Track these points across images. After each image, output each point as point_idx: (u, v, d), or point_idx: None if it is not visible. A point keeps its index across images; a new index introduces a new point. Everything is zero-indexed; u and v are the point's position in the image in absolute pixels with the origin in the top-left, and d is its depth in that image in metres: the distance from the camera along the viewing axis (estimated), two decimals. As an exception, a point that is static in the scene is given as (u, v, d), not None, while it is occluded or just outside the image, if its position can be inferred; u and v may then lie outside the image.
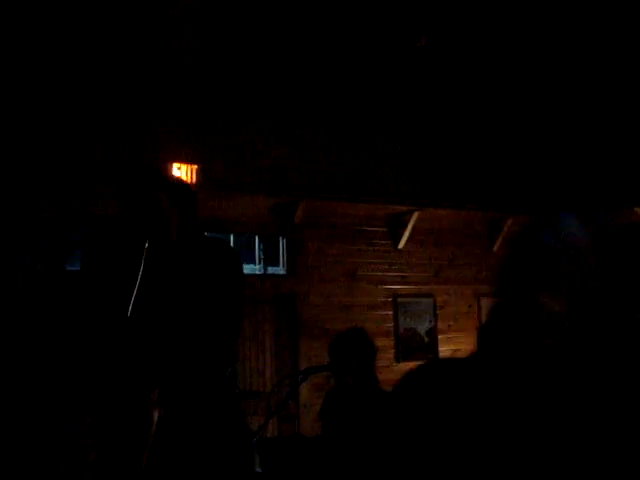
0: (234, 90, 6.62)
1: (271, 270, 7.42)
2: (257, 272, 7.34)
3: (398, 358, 7.71)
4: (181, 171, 6.25)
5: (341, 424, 3.86)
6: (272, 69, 6.77)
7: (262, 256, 7.39)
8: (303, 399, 6.96)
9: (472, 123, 7.92)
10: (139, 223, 2.00)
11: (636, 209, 7.70)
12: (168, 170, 6.18)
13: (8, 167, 5.60)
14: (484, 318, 8.32)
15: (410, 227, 7.76)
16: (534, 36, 7.16)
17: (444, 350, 8.08)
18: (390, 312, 7.83)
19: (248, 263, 7.32)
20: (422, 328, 8.04)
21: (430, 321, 8.11)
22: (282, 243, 7.40)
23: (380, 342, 7.61)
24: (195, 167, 6.31)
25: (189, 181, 6.27)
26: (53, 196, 5.99)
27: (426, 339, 8.04)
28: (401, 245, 7.89)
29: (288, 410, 6.79)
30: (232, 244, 7.24)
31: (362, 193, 7.23)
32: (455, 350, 8.15)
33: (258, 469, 4.16)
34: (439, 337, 8.11)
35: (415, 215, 7.67)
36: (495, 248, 8.56)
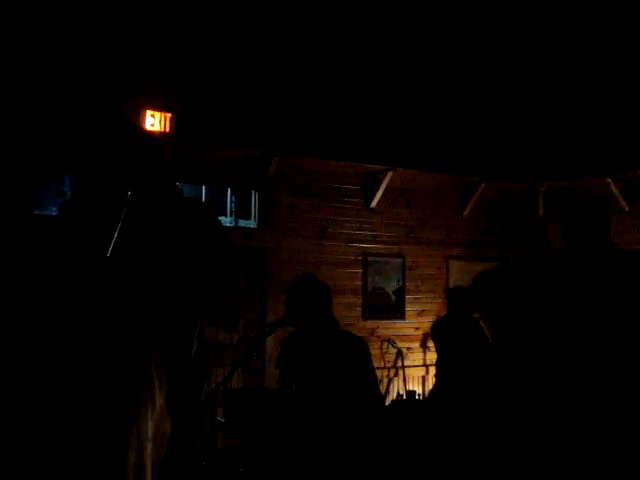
0: (211, 38, 6.50)
1: (242, 223, 7.39)
2: (228, 224, 7.31)
3: (365, 316, 7.77)
4: (155, 118, 6.16)
5: (303, 368, 3.84)
6: (252, 18, 6.65)
7: (233, 208, 7.36)
8: (268, 352, 7.01)
9: (451, 85, 7.88)
10: (122, 172, 1.96)
11: (607, 179, 7.77)
12: (141, 118, 6.09)
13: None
14: (452, 280, 8.40)
15: (383, 187, 7.76)
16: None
17: (411, 310, 8.16)
18: (359, 270, 7.86)
19: (220, 215, 7.28)
20: (390, 287, 8.10)
21: (398, 281, 8.16)
22: (254, 196, 7.36)
23: (348, 299, 7.68)
24: (169, 115, 6.22)
25: (162, 129, 6.19)
26: (24, 140, 5.88)
27: (393, 298, 8.11)
28: (373, 204, 7.89)
29: (253, 363, 6.83)
30: (204, 195, 7.20)
31: (337, 150, 7.20)
32: (422, 311, 8.23)
33: (221, 419, 4.19)
34: (406, 297, 8.18)
35: (389, 175, 7.66)
36: (466, 212, 8.60)
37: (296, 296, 3.97)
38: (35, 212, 6.00)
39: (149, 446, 1.21)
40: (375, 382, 3.77)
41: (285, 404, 3.90)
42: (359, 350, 3.75)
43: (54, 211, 6.07)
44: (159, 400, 1.21)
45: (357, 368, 3.67)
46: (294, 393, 3.86)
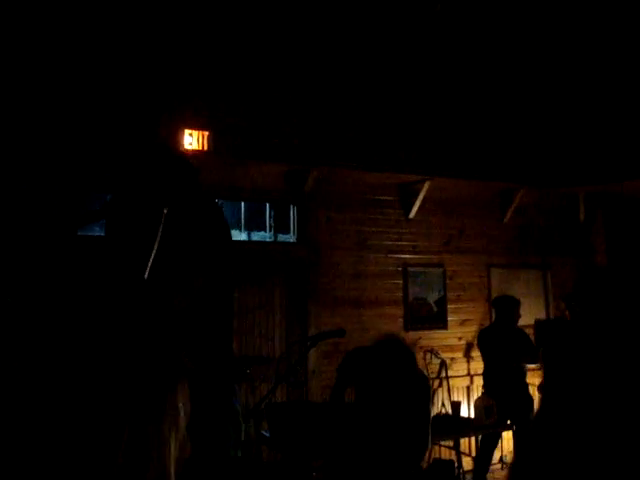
0: (246, 56, 6.58)
1: (281, 238, 7.43)
2: (267, 239, 7.36)
3: (407, 327, 7.75)
4: (192, 137, 6.24)
5: (367, 388, 3.82)
6: (285, 35, 6.72)
7: (273, 224, 7.40)
8: (311, 366, 7.02)
9: (486, 92, 7.85)
10: (157, 192, 2.01)
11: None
12: (179, 137, 6.18)
13: (21, 136, 5.61)
14: (494, 288, 8.33)
15: (421, 196, 7.74)
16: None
17: (453, 320, 8.11)
18: (400, 281, 7.84)
19: (259, 230, 7.34)
20: (431, 297, 8.06)
21: (440, 291, 8.12)
22: (293, 211, 7.40)
23: (389, 311, 7.67)
24: (206, 133, 6.30)
25: (200, 147, 6.26)
26: (65, 162, 6.01)
27: (435, 309, 8.07)
28: (412, 214, 7.88)
29: (297, 376, 6.85)
30: (243, 211, 7.26)
31: (373, 161, 7.21)
32: (464, 320, 8.17)
33: (266, 432, 4.21)
34: (448, 307, 8.13)
35: (426, 184, 7.64)
36: (506, 219, 8.54)
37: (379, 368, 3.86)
38: (79, 233, 6.12)
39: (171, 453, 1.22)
40: (428, 424, 3.76)
41: (334, 413, 3.91)
42: (424, 390, 3.77)
43: (97, 231, 6.18)
44: (182, 422, 1.22)
45: (417, 405, 3.68)
46: (350, 408, 3.86)
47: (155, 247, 1.84)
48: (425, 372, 7.48)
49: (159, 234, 1.85)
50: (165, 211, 1.92)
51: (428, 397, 3.80)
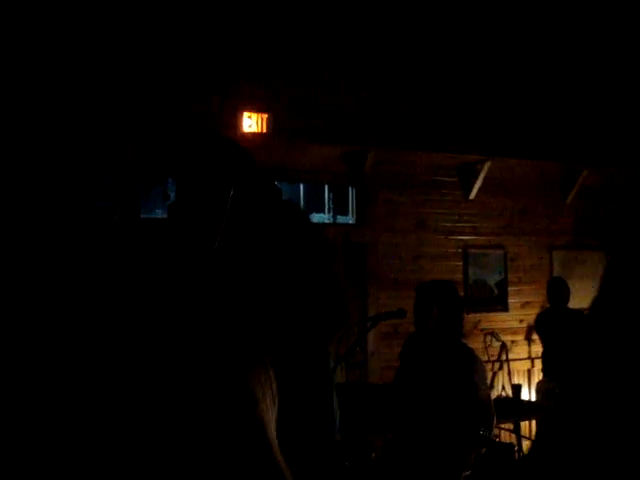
0: (303, 37, 6.57)
1: (340, 219, 7.44)
2: (326, 221, 7.37)
3: (467, 309, 7.67)
4: (252, 120, 6.28)
5: (415, 370, 3.92)
6: (341, 15, 6.68)
7: (331, 205, 7.41)
8: (370, 347, 7.04)
9: (548, 71, 7.68)
10: (223, 172, 2.03)
11: None
12: (238, 120, 6.23)
13: (79, 119, 5.73)
14: (556, 271, 8.19)
15: (481, 177, 7.64)
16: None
17: (514, 302, 8.01)
18: (460, 263, 7.77)
19: (318, 212, 7.35)
20: (492, 280, 7.97)
21: (500, 273, 8.03)
22: (351, 192, 7.39)
23: (449, 293, 7.60)
24: (265, 116, 6.32)
25: (260, 130, 6.30)
26: (124, 145, 6.11)
27: (496, 291, 7.98)
28: (472, 195, 7.78)
29: (356, 358, 6.87)
30: (302, 193, 7.28)
31: (432, 142, 7.14)
32: (525, 303, 8.06)
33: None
34: (509, 289, 8.03)
35: (487, 165, 7.53)
36: (569, 200, 8.36)
37: (428, 295, 4.01)
38: (142, 216, 6.23)
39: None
40: (475, 392, 3.80)
41: (393, 397, 3.96)
42: (468, 362, 3.82)
43: (160, 214, 6.29)
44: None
45: (461, 378, 3.73)
46: (401, 389, 3.92)
47: (221, 228, 1.87)
48: (486, 355, 7.43)
49: (225, 215, 1.87)
50: (231, 192, 1.94)
51: (471, 368, 3.86)
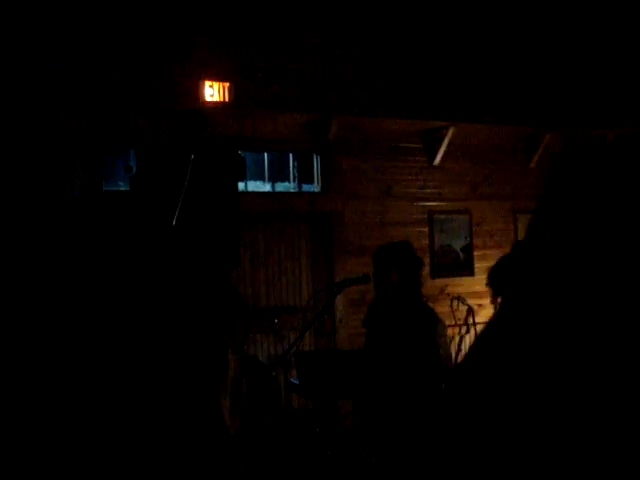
0: (264, 5, 6.48)
1: (306, 188, 7.42)
2: (291, 190, 7.35)
3: (433, 274, 7.73)
4: (213, 89, 6.20)
5: (380, 336, 3.94)
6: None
7: (296, 174, 7.38)
8: (339, 314, 7.07)
9: (507, 35, 7.68)
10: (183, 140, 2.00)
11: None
12: (200, 89, 6.14)
13: (34, 96, 5.60)
14: (521, 234, 8.27)
15: (446, 143, 7.65)
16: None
17: (480, 266, 8.08)
18: (425, 229, 7.81)
19: (282, 181, 7.32)
20: (458, 245, 8.03)
21: (466, 238, 8.08)
22: (316, 160, 7.36)
23: (415, 258, 7.64)
24: (227, 85, 6.25)
25: (221, 99, 6.22)
26: (83, 117, 6.00)
27: (462, 256, 8.04)
28: (436, 161, 7.80)
29: (324, 325, 6.91)
30: (266, 162, 7.24)
31: (396, 108, 7.12)
32: (491, 267, 8.13)
33: (295, 380, 4.27)
34: (475, 254, 8.09)
35: (451, 130, 7.55)
36: (533, 164, 8.42)
37: (386, 258, 4.01)
38: (104, 189, 6.15)
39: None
40: (437, 352, 3.85)
41: (360, 362, 3.99)
42: (429, 324, 3.85)
43: (122, 186, 6.21)
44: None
45: (423, 340, 3.77)
46: (366, 353, 3.94)
47: (183, 192, 1.85)
48: (453, 320, 7.51)
49: (187, 179, 1.86)
50: (192, 157, 1.92)
51: (433, 330, 3.90)
